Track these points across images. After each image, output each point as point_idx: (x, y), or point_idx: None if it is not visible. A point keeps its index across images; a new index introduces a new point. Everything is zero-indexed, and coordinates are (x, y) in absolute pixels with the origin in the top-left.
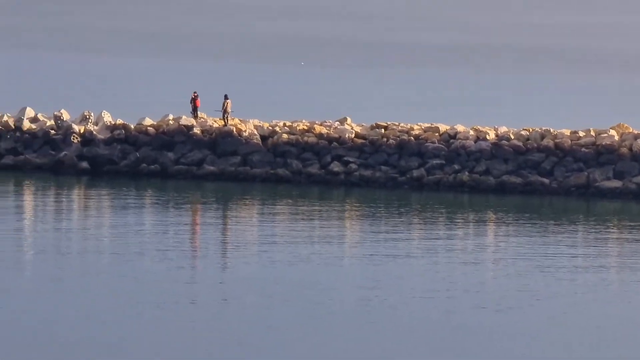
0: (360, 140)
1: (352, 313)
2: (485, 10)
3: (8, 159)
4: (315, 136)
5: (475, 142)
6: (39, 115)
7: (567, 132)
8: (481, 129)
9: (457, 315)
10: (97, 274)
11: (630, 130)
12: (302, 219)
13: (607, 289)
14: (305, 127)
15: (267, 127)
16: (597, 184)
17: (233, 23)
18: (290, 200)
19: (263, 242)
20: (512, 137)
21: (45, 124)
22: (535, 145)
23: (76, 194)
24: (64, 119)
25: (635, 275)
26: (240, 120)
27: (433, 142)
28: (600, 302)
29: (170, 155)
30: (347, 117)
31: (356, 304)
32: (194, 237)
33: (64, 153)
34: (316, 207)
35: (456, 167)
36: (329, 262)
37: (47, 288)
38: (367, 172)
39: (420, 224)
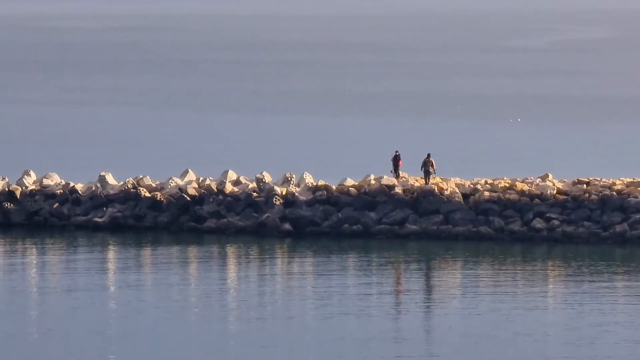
0: (562, 196)
1: None
2: None
3: (211, 222)
4: (517, 193)
5: None
6: (241, 178)
7: None
8: None
9: None
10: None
11: None
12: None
13: None
14: (507, 185)
15: (469, 185)
16: None
17: (434, 82)
18: (493, 260)
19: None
20: None
21: (248, 186)
22: None
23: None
24: (266, 181)
25: None
26: (441, 179)
27: (636, 197)
28: None
29: (373, 215)
30: (549, 174)
31: None
32: (397, 297)
33: (266, 215)
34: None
35: None
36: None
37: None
38: (570, 228)
39: (625, 280)
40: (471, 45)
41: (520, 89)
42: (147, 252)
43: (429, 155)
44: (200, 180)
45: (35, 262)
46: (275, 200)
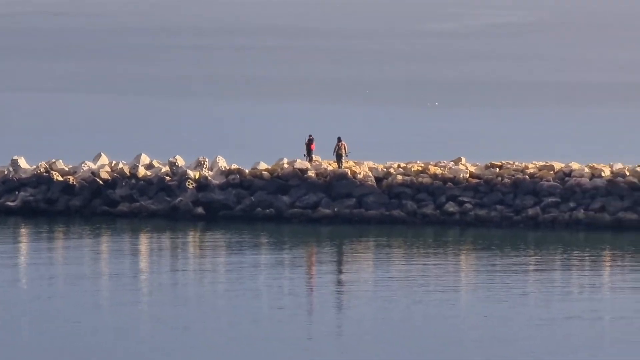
0: (475, 180)
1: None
2: (593, 47)
3: (124, 206)
4: (430, 177)
5: (590, 179)
6: (154, 162)
7: None
8: (596, 166)
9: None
10: (218, 316)
11: None
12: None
13: None
14: (420, 168)
15: (382, 169)
16: None
17: (347, 68)
18: (405, 241)
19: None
20: (628, 173)
21: (161, 170)
22: None
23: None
24: (179, 165)
25: None
26: (354, 163)
27: (548, 181)
28: None
29: (285, 199)
30: (462, 157)
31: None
32: (310, 279)
33: (179, 199)
34: (431, 248)
35: (571, 204)
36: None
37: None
38: (482, 212)
39: (533, 263)
40: (385, 30)
41: (436, 73)
42: (59, 236)
43: (339, 139)
44: (113, 164)
45: None
46: (188, 184)
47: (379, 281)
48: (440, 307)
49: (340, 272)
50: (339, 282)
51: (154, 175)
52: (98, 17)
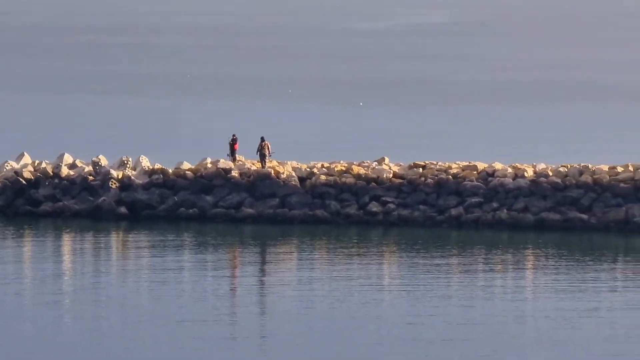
0: (398, 180)
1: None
2: (517, 47)
3: (47, 206)
4: (353, 177)
5: (513, 179)
6: (77, 162)
7: (605, 167)
8: (519, 166)
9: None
10: (139, 320)
11: None
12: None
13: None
14: (343, 168)
15: (305, 169)
16: (636, 219)
17: (270, 66)
18: (329, 241)
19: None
20: (551, 173)
21: (84, 170)
22: (574, 181)
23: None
24: (102, 165)
25: None
26: (278, 162)
27: (471, 181)
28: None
29: (209, 198)
30: (385, 157)
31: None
32: (233, 279)
33: (102, 199)
34: (354, 248)
35: (495, 204)
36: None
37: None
38: (406, 212)
39: (460, 263)
40: (311, 28)
41: (360, 72)
42: None
43: (262, 138)
44: (36, 164)
45: None
46: (111, 184)
47: (303, 281)
48: (363, 307)
49: (263, 272)
50: (262, 283)
51: (77, 174)
52: (11, 15)
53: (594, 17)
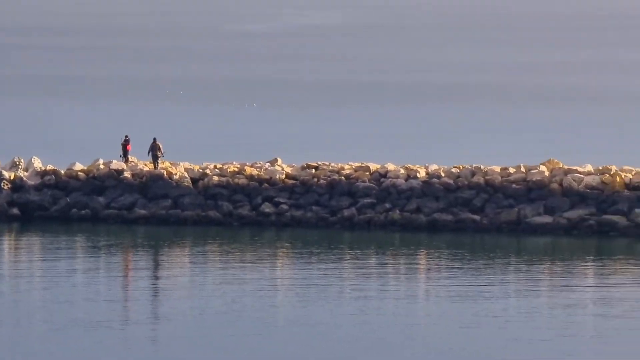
0: (291, 181)
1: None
2: (409, 46)
3: None
4: (246, 178)
5: (406, 180)
6: None
7: (497, 168)
8: (412, 167)
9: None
10: (30, 320)
11: (561, 166)
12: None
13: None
14: (236, 169)
15: (198, 170)
16: (527, 220)
17: (162, 67)
18: (221, 243)
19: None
20: (443, 174)
21: None
22: (466, 182)
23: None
24: None
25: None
26: (170, 163)
27: (364, 182)
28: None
29: (101, 199)
30: (278, 158)
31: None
32: (125, 282)
33: None
34: (248, 250)
35: (387, 205)
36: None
37: None
38: (298, 213)
39: (351, 263)
40: (203, 29)
41: (254, 73)
42: None
43: (155, 139)
44: None
45: None
46: (3, 185)
47: (195, 284)
48: (257, 310)
49: (156, 274)
50: (155, 285)
51: None
52: None
53: (481, 18)
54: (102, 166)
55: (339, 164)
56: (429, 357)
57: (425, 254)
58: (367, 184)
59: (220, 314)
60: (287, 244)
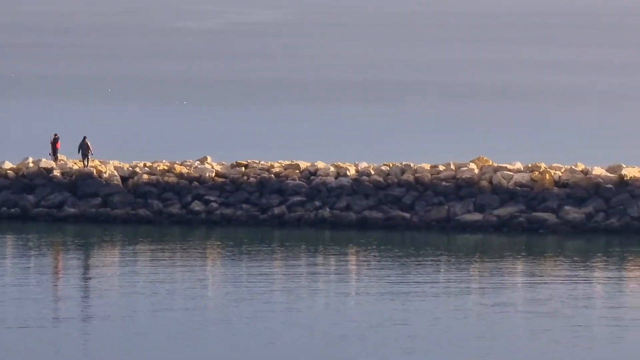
0: (220, 179)
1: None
2: (340, 44)
3: None
4: (176, 176)
5: (335, 178)
6: None
7: (427, 166)
8: (342, 165)
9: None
10: None
11: (490, 164)
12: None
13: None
14: (166, 167)
15: (128, 168)
16: (457, 217)
17: (92, 65)
18: (150, 242)
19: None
20: (373, 172)
21: None
22: (396, 180)
23: None
24: None
25: (493, 308)
26: (100, 162)
27: (294, 180)
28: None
29: (31, 198)
30: (208, 156)
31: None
32: (55, 281)
33: None
34: (178, 248)
35: (317, 203)
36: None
37: None
38: (228, 211)
39: (281, 261)
40: (138, 27)
41: (183, 71)
42: None
43: (84, 138)
44: None
45: None
46: None
47: (125, 282)
48: (186, 310)
49: (86, 274)
50: (85, 284)
51: None
52: None
53: (416, 16)
54: (31, 164)
55: (269, 162)
56: (361, 354)
57: (355, 252)
58: (297, 182)
59: (150, 314)
60: (217, 242)
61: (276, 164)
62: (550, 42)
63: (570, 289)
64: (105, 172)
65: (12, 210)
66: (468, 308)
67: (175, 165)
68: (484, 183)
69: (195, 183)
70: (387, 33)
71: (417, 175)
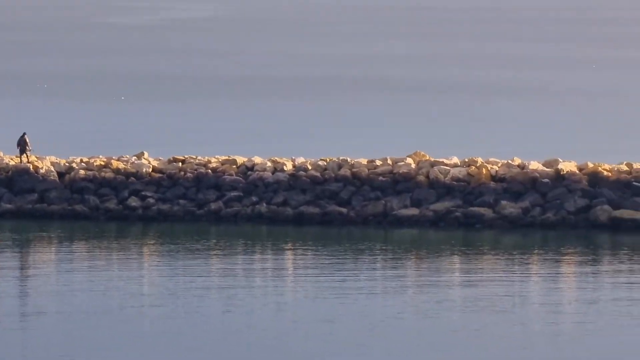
0: (157, 175)
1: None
2: (276, 40)
3: None
4: (113, 171)
5: (272, 173)
6: None
7: (364, 161)
8: (278, 160)
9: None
10: None
11: (427, 158)
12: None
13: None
14: (102, 163)
15: (64, 164)
16: (394, 212)
17: (27, 61)
18: (88, 238)
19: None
20: (310, 167)
21: None
22: (333, 175)
23: None
24: None
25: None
26: (37, 157)
27: (230, 175)
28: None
29: None
30: (144, 152)
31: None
32: None
33: None
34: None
35: (254, 198)
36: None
37: None
38: (165, 207)
39: (217, 257)
40: (71, 22)
41: (121, 66)
42: None
43: (24, 134)
44: None
45: None
46: None
47: (62, 279)
48: (124, 307)
49: (21, 269)
50: (21, 281)
51: None
52: None
53: (360, 11)
54: None
55: (206, 158)
56: (297, 352)
57: (292, 247)
58: (234, 177)
59: (87, 312)
60: (154, 238)
61: (213, 159)
62: (485, 37)
63: (507, 285)
64: (42, 168)
65: None
66: (405, 304)
67: (112, 161)
68: (421, 178)
69: (132, 178)
70: (324, 28)
71: (354, 170)
